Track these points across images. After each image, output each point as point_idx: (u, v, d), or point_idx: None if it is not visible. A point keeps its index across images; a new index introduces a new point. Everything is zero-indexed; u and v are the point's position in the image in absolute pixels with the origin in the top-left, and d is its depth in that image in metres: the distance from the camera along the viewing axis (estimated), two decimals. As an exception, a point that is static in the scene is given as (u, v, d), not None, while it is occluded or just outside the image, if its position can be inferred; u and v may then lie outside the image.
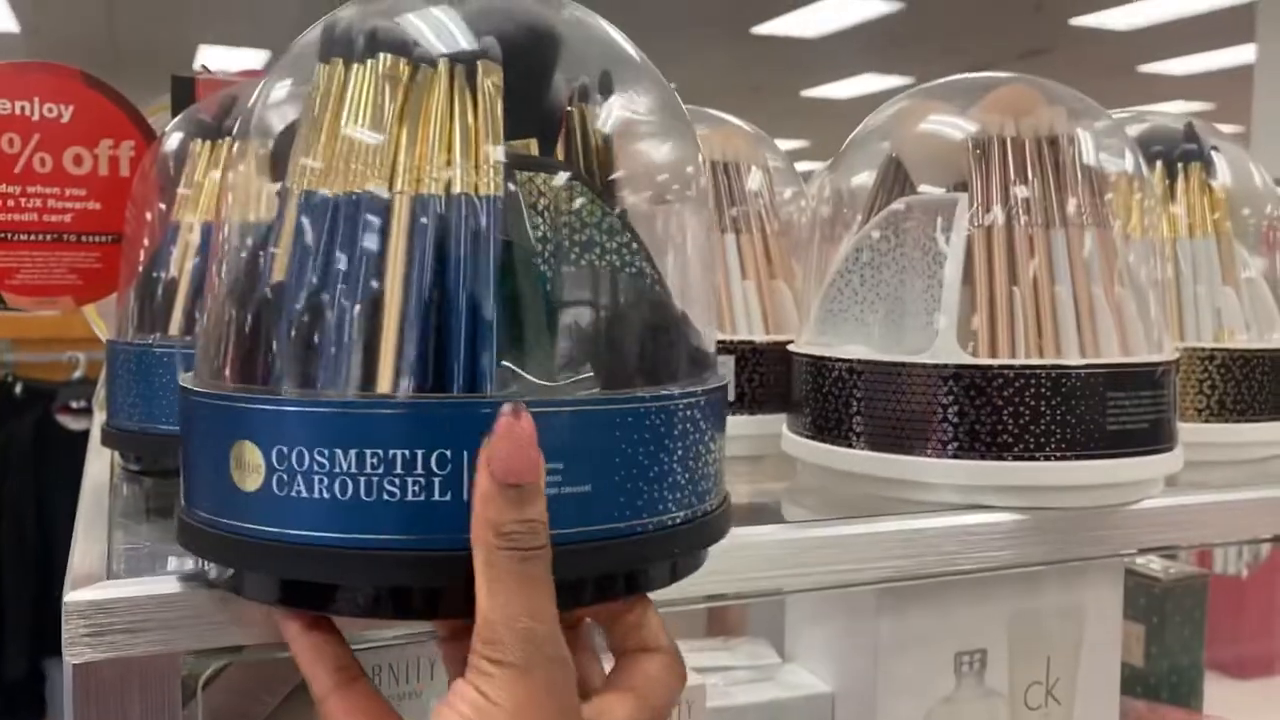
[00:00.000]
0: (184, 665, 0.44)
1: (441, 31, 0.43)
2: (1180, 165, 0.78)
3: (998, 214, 0.61)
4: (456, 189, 0.39)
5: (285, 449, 0.37)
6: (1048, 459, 0.58)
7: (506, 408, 0.35)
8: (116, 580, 0.43)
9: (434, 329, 0.38)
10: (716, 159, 0.80)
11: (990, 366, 0.59)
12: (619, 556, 0.39)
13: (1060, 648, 0.67)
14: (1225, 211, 0.78)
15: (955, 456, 0.59)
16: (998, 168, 0.62)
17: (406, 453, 0.36)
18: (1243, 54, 5.94)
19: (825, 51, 6.89)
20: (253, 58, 6.91)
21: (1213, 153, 0.79)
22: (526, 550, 0.35)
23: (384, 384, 0.38)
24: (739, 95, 7.44)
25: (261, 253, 0.42)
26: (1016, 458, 0.59)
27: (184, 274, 0.64)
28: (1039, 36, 6.52)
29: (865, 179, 0.72)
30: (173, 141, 0.68)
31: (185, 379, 0.43)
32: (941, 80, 0.71)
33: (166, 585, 0.43)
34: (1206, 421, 0.75)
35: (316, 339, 0.39)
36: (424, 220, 0.39)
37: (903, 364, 0.61)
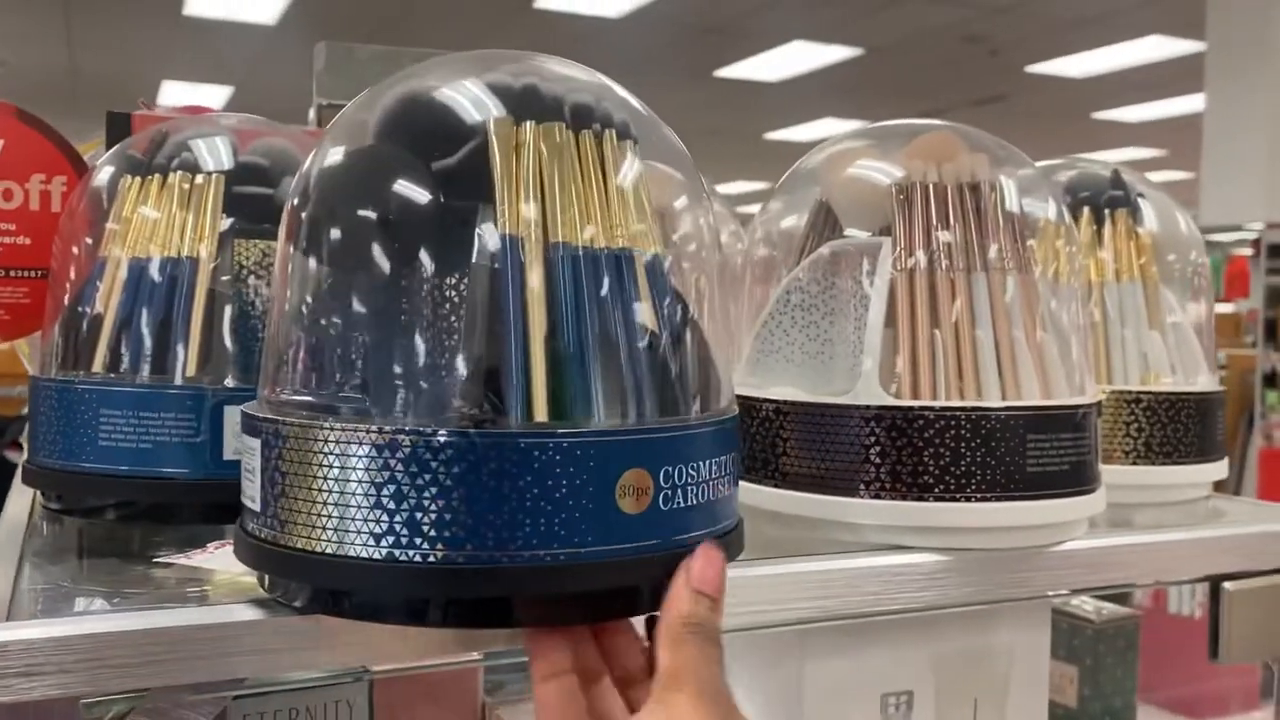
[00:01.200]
0: (83, 711, 0.43)
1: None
2: (1107, 211, 0.80)
3: (920, 258, 0.62)
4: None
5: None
6: (968, 500, 0.59)
7: (709, 542, 0.46)
8: (15, 623, 0.43)
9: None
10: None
11: (912, 408, 0.59)
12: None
13: (988, 689, 0.67)
14: (1151, 257, 0.79)
15: (877, 497, 0.60)
16: (920, 213, 0.63)
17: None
18: (1193, 103, 6.07)
19: (786, 96, 6.98)
20: (215, 94, 6.90)
21: (1139, 199, 0.81)
22: (706, 636, 0.44)
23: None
24: (701, 137, 7.51)
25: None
26: (937, 498, 0.59)
27: (109, 310, 0.64)
28: (995, 83, 6.63)
29: (797, 222, 0.73)
30: (102, 176, 0.68)
31: None
32: (870, 126, 0.72)
33: (65, 628, 0.42)
34: (1133, 464, 0.76)
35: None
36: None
37: (827, 405, 0.61)
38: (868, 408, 0.60)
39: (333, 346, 0.49)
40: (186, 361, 0.63)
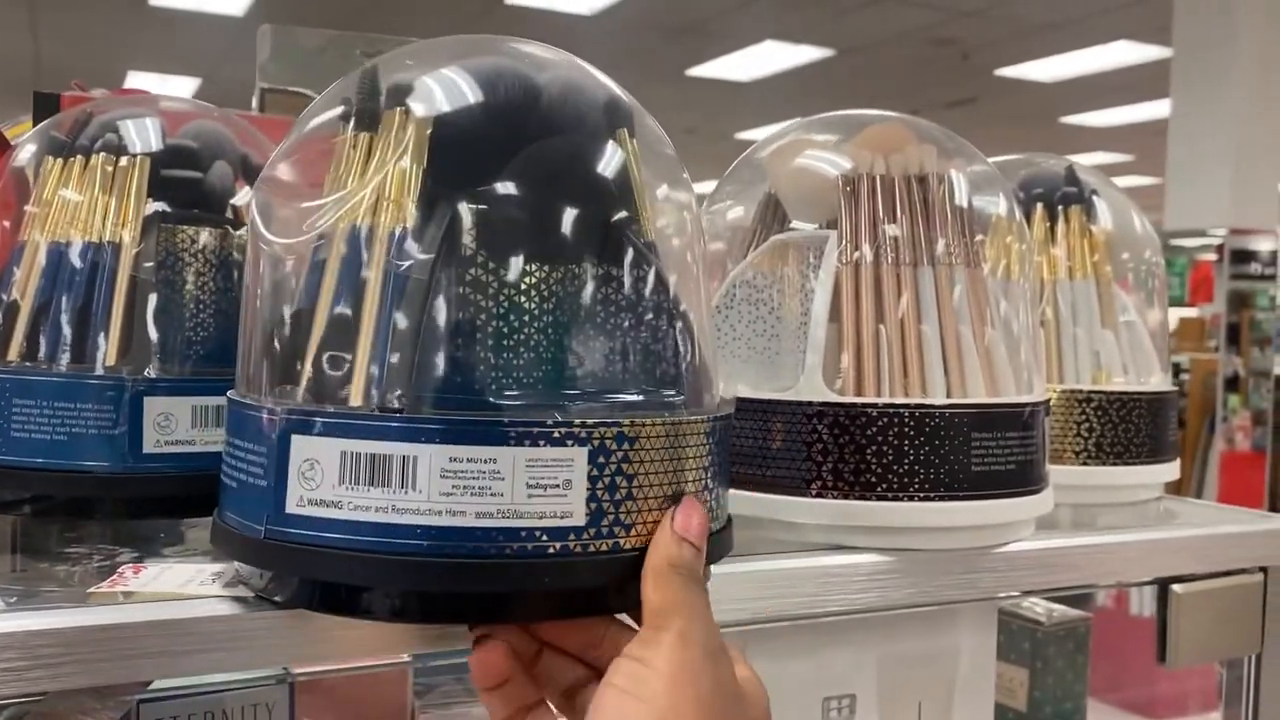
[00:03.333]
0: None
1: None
2: (1061, 208, 0.79)
3: (866, 251, 0.61)
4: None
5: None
6: (911, 499, 0.57)
7: (691, 496, 0.45)
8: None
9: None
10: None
11: (855, 405, 0.58)
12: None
13: (932, 692, 0.66)
14: (1105, 254, 0.78)
15: (820, 495, 0.58)
16: (867, 205, 0.61)
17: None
18: (1160, 108, 6.11)
19: (758, 95, 6.97)
20: (182, 85, 6.82)
21: (1093, 196, 0.80)
22: (690, 577, 0.43)
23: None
24: (673, 136, 7.47)
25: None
26: (880, 497, 0.57)
27: (27, 297, 0.61)
28: (966, 86, 6.65)
29: (744, 214, 0.71)
30: (23, 157, 0.65)
31: None
32: (819, 116, 0.71)
33: (-50, 627, 0.40)
34: (1084, 464, 0.75)
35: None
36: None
37: (768, 401, 0.60)
38: (810, 404, 0.58)
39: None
40: (107, 351, 0.60)
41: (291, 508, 0.42)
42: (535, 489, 0.41)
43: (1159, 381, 0.78)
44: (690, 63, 6.43)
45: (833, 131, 0.68)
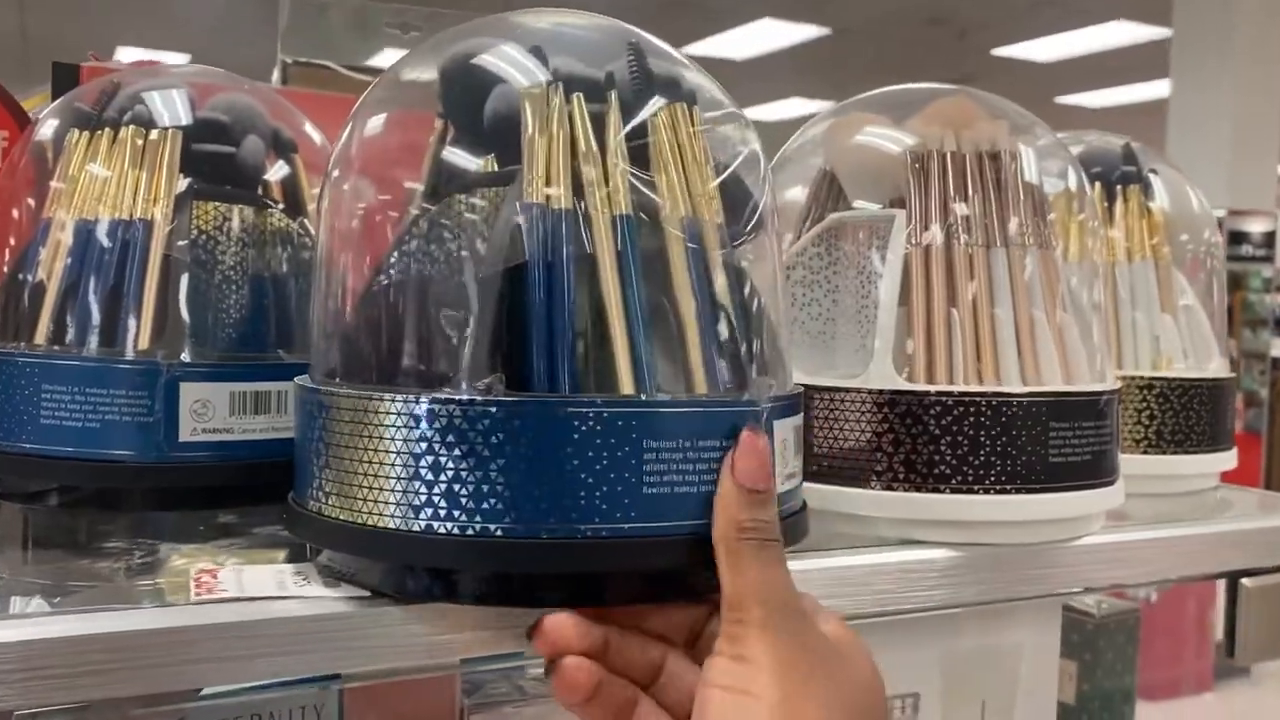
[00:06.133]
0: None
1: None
2: (1119, 187, 0.76)
3: (936, 232, 0.58)
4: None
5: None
6: (987, 492, 0.55)
7: (748, 426, 0.42)
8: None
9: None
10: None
11: (927, 393, 0.55)
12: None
13: (996, 691, 0.64)
14: (1164, 236, 0.75)
15: (889, 488, 0.56)
16: (937, 183, 0.58)
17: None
18: (1158, 89, 6.09)
19: (753, 74, 6.93)
20: (172, 61, 6.75)
21: (1151, 175, 0.77)
22: (763, 540, 0.40)
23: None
24: (667, 115, 7.41)
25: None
26: (954, 490, 0.55)
27: (54, 276, 0.58)
28: (961, 65, 6.62)
29: (799, 194, 0.68)
30: (46, 131, 0.62)
31: None
32: (879, 91, 0.68)
33: (-4, 632, 0.37)
34: (1144, 453, 0.72)
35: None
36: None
37: (834, 389, 0.57)
38: (880, 392, 0.56)
39: (375, 318, 0.45)
40: (139, 334, 0.57)
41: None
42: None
43: (1218, 367, 0.76)
44: (685, 39, 6.37)
45: (893, 106, 0.65)
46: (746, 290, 0.47)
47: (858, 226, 0.63)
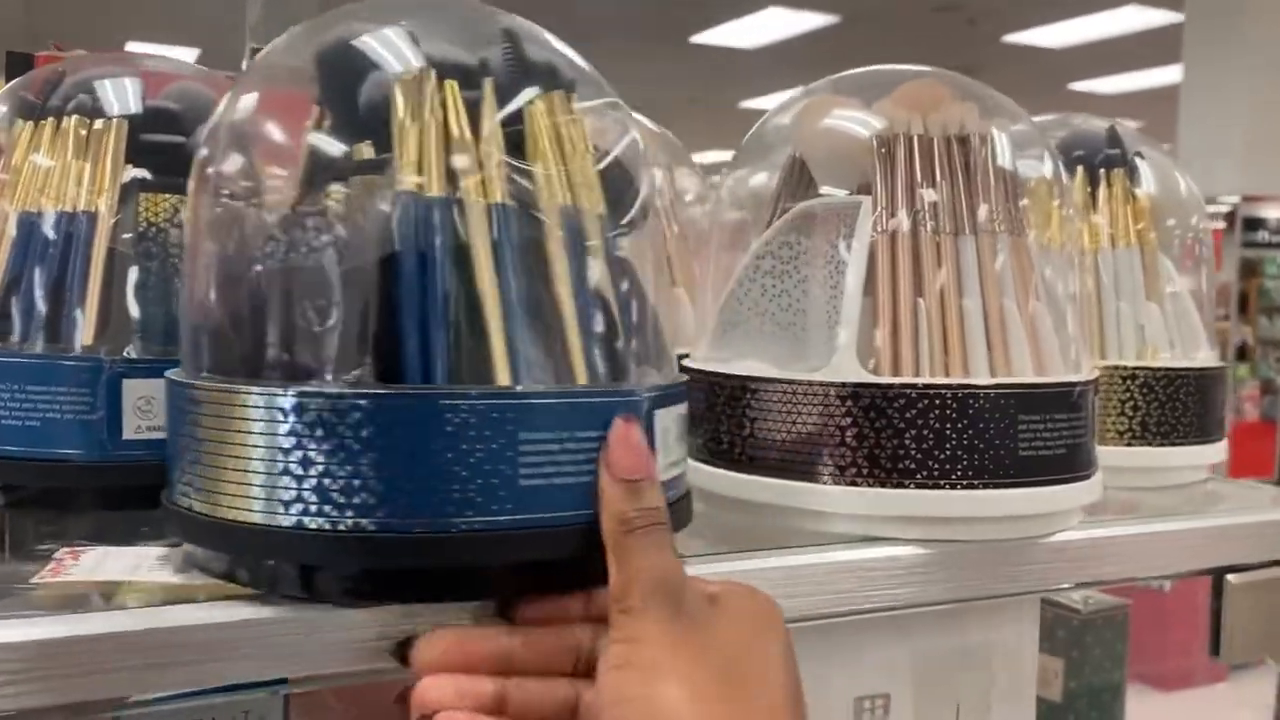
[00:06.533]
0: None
1: None
2: (1103, 172, 0.74)
3: (903, 219, 0.56)
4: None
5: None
6: (954, 487, 0.53)
7: (619, 418, 0.41)
8: None
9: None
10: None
11: (892, 385, 0.53)
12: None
13: (970, 692, 0.62)
14: (1149, 222, 0.73)
15: (853, 484, 0.54)
16: (903, 168, 0.57)
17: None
18: (1170, 74, 6.03)
19: (762, 63, 6.88)
20: (182, 56, 6.75)
21: (1137, 159, 0.75)
22: (649, 526, 0.41)
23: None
24: (678, 106, 7.40)
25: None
26: (919, 485, 0.53)
27: (-3, 269, 0.57)
28: (972, 53, 6.56)
29: (768, 181, 0.66)
30: (-9, 122, 0.60)
31: None
32: (849, 73, 0.66)
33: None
34: (1128, 445, 0.70)
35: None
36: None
37: (797, 381, 0.55)
38: (843, 385, 0.54)
39: (241, 308, 0.44)
40: (83, 329, 0.56)
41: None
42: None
43: (1206, 356, 0.74)
44: (693, 29, 6.34)
45: (864, 89, 0.63)
46: (627, 280, 0.46)
47: (826, 214, 0.61)
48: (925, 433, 0.53)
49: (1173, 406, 0.70)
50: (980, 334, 0.55)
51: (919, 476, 0.53)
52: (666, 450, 0.45)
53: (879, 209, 0.56)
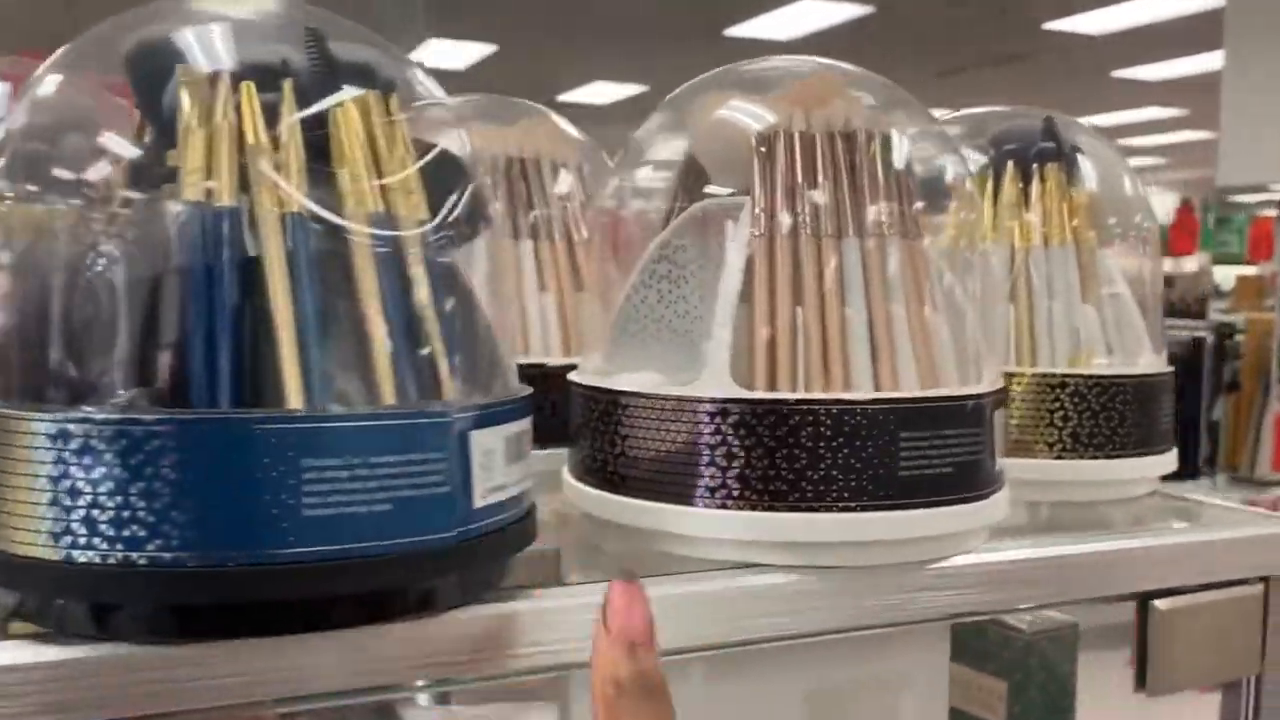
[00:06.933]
0: None
1: None
2: (1036, 166, 0.69)
3: (783, 220, 0.52)
4: None
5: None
6: (829, 510, 0.49)
7: (618, 581, 0.39)
8: None
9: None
10: (513, 155, 0.71)
11: (761, 401, 0.50)
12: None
13: (873, 723, 0.58)
14: (1087, 219, 0.69)
15: (724, 506, 0.50)
16: (784, 166, 0.53)
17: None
18: (1214, 60, 5.88)
19: (796, 54, 6.81)
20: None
21: (1075, 152, 0.70)
22: (639, 693, 0.38)
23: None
24: (711, 99, 7.33)
25: None
26: (792, 508, 0.49)
27: None
28: (1011, 42, 6.44)
29: (667, 178, 0.63)
30: None
31: None
32: (753, 64, 0.62)
33: None
34: (1058, 457, 0.66)
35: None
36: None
37: (666, 397, 0.52)
38: (712, 400, 0.50)
39: (18, 324, 0.42)
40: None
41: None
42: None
43: (1150, 362, 0.69)
44: (727, 22, 6.28)
45: (762, 83, 0.60)
46: (453, 290, 0.42)
47: (718, 215, 0.57)
48: (798, 452, 0.49)
49: (1108, 416, 0.66)
50: (863, 344, 0.51)
51: (791, 498, 0.49)
52: (488, 474, 0.42)
53: (757, 209, 0.53)
